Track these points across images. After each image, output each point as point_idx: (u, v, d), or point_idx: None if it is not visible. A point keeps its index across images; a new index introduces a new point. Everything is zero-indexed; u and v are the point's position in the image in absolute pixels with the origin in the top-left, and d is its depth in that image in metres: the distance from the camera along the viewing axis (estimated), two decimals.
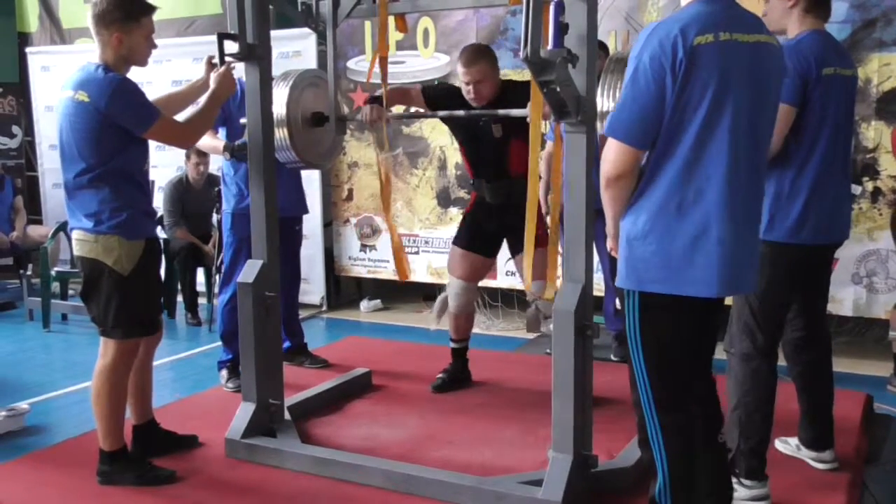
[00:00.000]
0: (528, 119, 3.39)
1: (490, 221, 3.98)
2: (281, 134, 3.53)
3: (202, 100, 3.24)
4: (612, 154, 2.21)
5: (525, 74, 5.27)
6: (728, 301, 2.48)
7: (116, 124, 2.96)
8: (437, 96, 3.90)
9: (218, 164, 4.67)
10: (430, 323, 4.30)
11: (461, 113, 3.71)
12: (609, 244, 2.44)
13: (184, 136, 3.22)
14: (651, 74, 2.14)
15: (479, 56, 3.69)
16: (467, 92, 3.72)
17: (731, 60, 2.16)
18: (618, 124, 2.20)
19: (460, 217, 5.81)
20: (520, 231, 3.74)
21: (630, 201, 2.28)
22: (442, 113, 3.81)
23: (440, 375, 4.22)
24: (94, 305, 3.10)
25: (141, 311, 3.11)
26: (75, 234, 3.09)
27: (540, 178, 4.29)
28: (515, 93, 3.64)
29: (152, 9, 3.09)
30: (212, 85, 3.21)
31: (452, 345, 4.26)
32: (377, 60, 3.53)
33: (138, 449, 3.29)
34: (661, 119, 2.17)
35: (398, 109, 5.91)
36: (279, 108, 3.51)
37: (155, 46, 3.13)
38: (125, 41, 3.01)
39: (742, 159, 2.20)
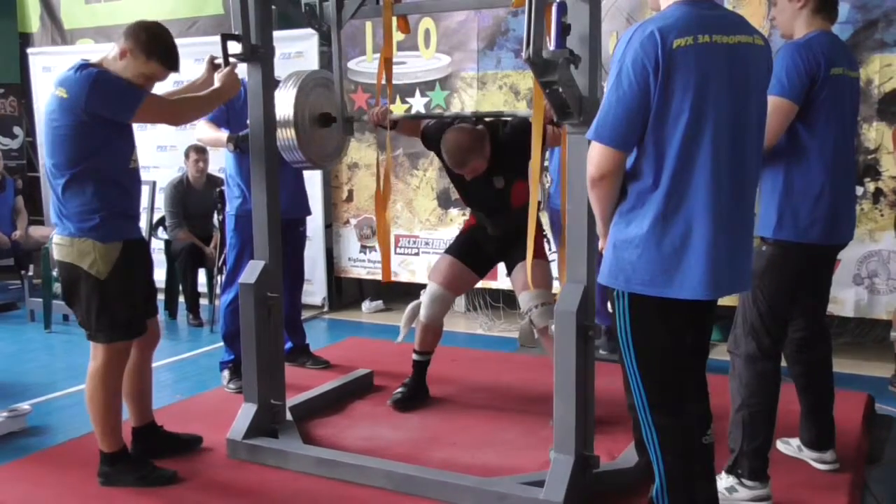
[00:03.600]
0: (530, 118, 3.41)
1: (488, 244, 3.89)
2: (288, 134, 3.53)
3: (205, 91, 3.21)
4: (595, 155, 2.23)
5: (527, 76, 5.28)
6: (725, 301, 2.49)
7: (101, 117, 2.92)
8: (433, 138, 3.75)
9: (220, 164, 4.68)
10: (400, 331, 4.03)
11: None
12: (599, 244, 2.45)
13: (175, 114, 3.12)
14: (634, 77, 2.15)
15: (468, 155, 3.53)
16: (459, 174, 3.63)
17: (709, 63, 2.16)
18: (602, 127, 2.20)
19: (461, 218, 5.85)
20: (515, 250, 3.68)
21: (619, 207, 2.30)
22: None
23: (399, 389, 4.03)
24: (78, 309, 3.07)
25: (122, 314, 3.04)
26: (54, 238, 3.06)
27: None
28: (508, 148, 3.58)
29: (171, 64, 3.04)
30: (216, 83, 3.21)
31: (415, 357, 4.03)
32: (383, 62, 3.54)
33: (139, 449, 3.29)
34: (646, 121, 2.18)
35: (399, 109, 5.93)
36: (287, 108, 3.51)
37: (150, 90, 3.07)
38: (128, 60, 2.98)
39: (726, 163, 2.20)
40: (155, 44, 3.00)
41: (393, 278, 6.19)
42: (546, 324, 3.61)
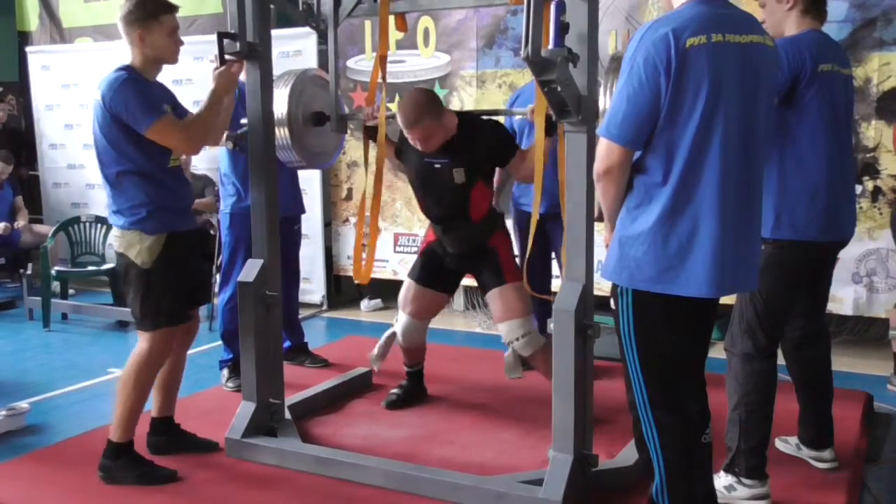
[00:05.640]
0: (527, 116, 3.39)
1: (450, 260, 3.74)
2: (281, 133, 3.52)
3: (202, 104, 3.21)
4: (603, 150, 2.26)
5: (526, 74, 5.28)
6: (725, 299, 2.49)
7: (123, 122, 3.01)
8: (401, 145, 3.67)
9: (212, 164, 4.67)
10: (373, 363, 3.89)
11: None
12: (604, 238, 2.45)
13: (185, 139, 3.11)
14: (645, 76, 2.16)
15: (420, 114, 3.33)
16: (414, 142, 3.45)
17: (722, 62, 2.17)
18: (612, 125, 2.22)
19: None
20: (485, 270, 3.63)
21: (626, 202, 2.30)
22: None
23: (394, 391, 4.03)
24: (129, 298, 3.21)
25: (164, 303, 3.15)
26: (112, 230, 3.23)
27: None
28: (479, 141, 3.48)
29: (173, 7, 3.14)
30: (211, 83, 3.21)
31: (407, 369, 4.04)
32: (378, 60, 3.53)
33: (153, 441, 3.33)
34: (656, 120, 2.19)
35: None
36: (280, 106, 3.50)
37: (181, 43, 3.18)
38: (147, 39, 3.08)
39: (734, 161, 2.22)
40: (152, 5, 3.08)
41: (393, 276, 6.20)
42: (532, 352, 3.56)
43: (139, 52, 3.10)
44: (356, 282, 3.77)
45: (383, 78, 3.56)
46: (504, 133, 3.59)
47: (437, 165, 3.52)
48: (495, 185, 3.80)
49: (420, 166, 3.60)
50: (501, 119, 4.04)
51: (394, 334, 3.87)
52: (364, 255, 3.65)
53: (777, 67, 2.41)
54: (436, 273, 3.78)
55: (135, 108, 2.99)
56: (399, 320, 3.85)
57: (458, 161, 3.48)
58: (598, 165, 2.28)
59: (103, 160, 3.11)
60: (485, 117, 3.67)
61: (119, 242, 3.16)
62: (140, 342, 3.16)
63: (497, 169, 3.71)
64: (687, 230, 2.21)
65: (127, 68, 3.09)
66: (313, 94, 3.71)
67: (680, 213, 2.21)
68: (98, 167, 3.16)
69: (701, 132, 2.17)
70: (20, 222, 6.94)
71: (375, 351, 3.87)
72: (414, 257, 6.09)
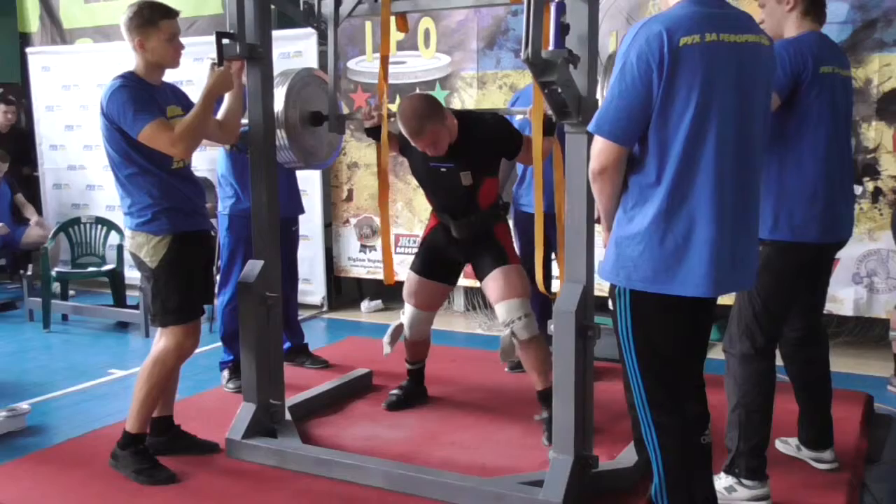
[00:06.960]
0: (528, 115, 3.39)
1: (452, 249, 3.72)
2: (277, 133, 3.51)
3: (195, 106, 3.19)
4: (597, 148, 2.25)
5: (527, 75, 5.28)
6: (724, 300, 2.50)
7: (117, 124, 3.05)
8: (404, 145, 3.61)
9: (211, 166, 4.67)
10: (384, 348, 3.92)
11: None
12: (602, 238, 2.45)
13: (172, 143, 3.03)
14: (638, 73, 2.16)
15: (424, 122, 3.30)
16: (423, 150, 3.43)
17: (716, 61, 2.17)
18: (603, 121, 2.22)
19: None
20: (486, 254, 3.61)
21: (622, 203, 2.30)
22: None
23: (394, 392, 4.03)
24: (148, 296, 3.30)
25: (172, 300, 3.19)
26: (125, 231, 3.30)
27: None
28: (481, 143, 3.46)
29: (172, 13, 3.16)
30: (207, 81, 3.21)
31: (408, 366, 4.05)
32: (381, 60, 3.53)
33: (153, 440, 3.35)
34: (648, 117, 2.19)
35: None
36: (276, 106, 3.50)
37: (182, 47, 3.21)
38: (146, 45, 3.11)
39: (730, 161, 2.21)
40: (150, 13, 3.11)
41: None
42: (530, 336, 3.49)
43: (140, 57, 3.14)
44: (386, 283, 3.81)
45: (385, 78, 3.55)
46: (506, 127, 3.55)
47: (443, 169, 3.52)
48: (500, 174, 3.77)
49: (426, 170, 3.60)
50: None
51: (401, 325, 3.91)
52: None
53: (774, 66, 2.41)
54: (437, 264, 3.79)
55: (127, 114, 3.01)
56: (405, 312, 3.88)
57: (464, 164, 3.47)
58: (593, 164, 2.27)
59: (112, 163, 3.16)
60: (486, 112, 3.66)
61: (130, 243, 3.23)
62: (158, 340, 3.25)
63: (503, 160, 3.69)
64: (683, 230, 2.21)
65: (127, 74, 3.13)
66: (311, 94, 3.71)
67: (675, 213, 2.21)
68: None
69: (694, 131, 2.17)
70: (33, 217, 6.94)
71: (386, 338, 3.92)
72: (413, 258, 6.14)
